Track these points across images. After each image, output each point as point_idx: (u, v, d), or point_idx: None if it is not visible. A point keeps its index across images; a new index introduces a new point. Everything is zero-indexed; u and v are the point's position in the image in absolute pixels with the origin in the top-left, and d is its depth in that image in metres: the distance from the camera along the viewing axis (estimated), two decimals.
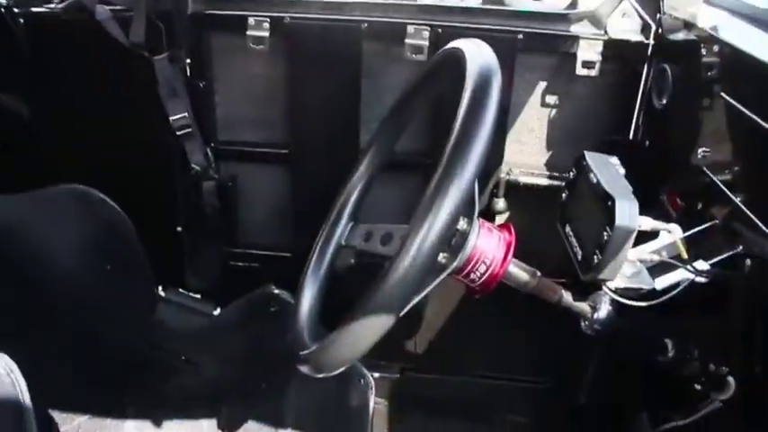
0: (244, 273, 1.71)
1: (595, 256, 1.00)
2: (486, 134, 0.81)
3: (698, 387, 1.14)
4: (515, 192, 1.57)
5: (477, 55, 0.89)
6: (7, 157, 1.51)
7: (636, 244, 1.06)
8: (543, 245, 1.37)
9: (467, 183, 0.80)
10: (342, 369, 0.89)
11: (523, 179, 1.56)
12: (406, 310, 0.86)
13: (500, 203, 1.55)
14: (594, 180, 1.05)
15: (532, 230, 1.43)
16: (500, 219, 1.58)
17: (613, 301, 1.12)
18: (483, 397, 1.83)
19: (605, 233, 0.98)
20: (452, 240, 0.99)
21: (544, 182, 1.56)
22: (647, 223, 1.06)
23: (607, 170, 1.08)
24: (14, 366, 0.93)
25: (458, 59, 0.92)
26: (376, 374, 1.76)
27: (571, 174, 1.16)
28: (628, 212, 0.97)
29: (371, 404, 1.35)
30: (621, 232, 0.97)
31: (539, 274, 1.09)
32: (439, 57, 1.02)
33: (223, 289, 1.64)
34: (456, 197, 0.79)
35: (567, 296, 1.12)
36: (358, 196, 1.15)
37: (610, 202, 0.98)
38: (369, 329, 0.83)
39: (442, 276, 0.96)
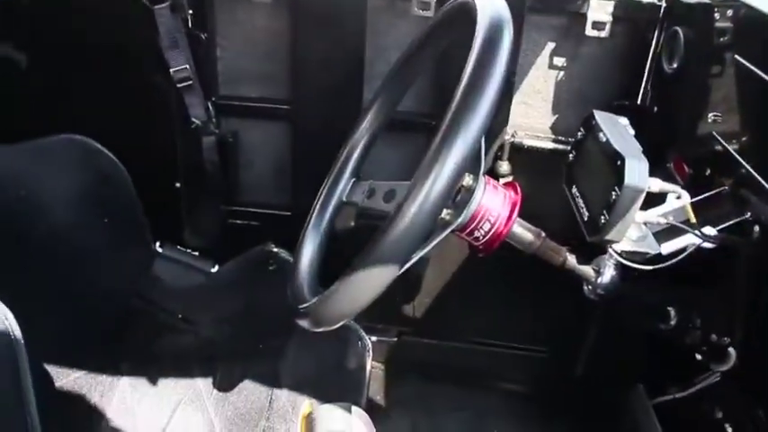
0: (243, 231, 1.70)
1: (602, 217, 0.99)
2: (497, 85, 0.79)
3: (698, 357, 1.14)
4: (520, 155, 1.55)
5: (489, 4, 0.87)
6: (5, 106, 1.48)
7: (642, 210, 1.05)
8: (548, 209, 1.35)
9: (474, 135, 0.78)
10: (341, 323, 0.88)
11: (528, 142, 1.54)
12: (408, 265, 0.85)
13: (504, 166, 1.53)
14: (604, 139, 1.04)
15: (537, 194, 1.41)
16: (503, 182, 1.57)
17: (618, 266, 1.11)
18: (480, 364, 1.82)
19: (613, 193, 0.96)
20: (457, 196, 0.97)
21: (550, 145, 1.54)
22: (657, 184, 1.04)
23: (617, 130, 1.06)
24: (9, 314, 0.92)
25: (468, 9, 0.89)
26: (373, 338, 1.76)
27: (579, 134, 1.14)
28: (638, 171, 0.96)
29: (368, 367, 1.34)
30: (630, 192, 0.96)
31: (543, 234, 1.08)
32: (448, 7, 1.00)
33: (222, 247, 1.63)
34: (462, 150, 0.77)
35: (572, 259, 1.11)
36: (361, 152, 1.14)
37: (619, 162, 0.97)
38: (369, 283, 0.82)
39: (445, 233, 0.95)
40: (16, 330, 0.91)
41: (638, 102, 1.46)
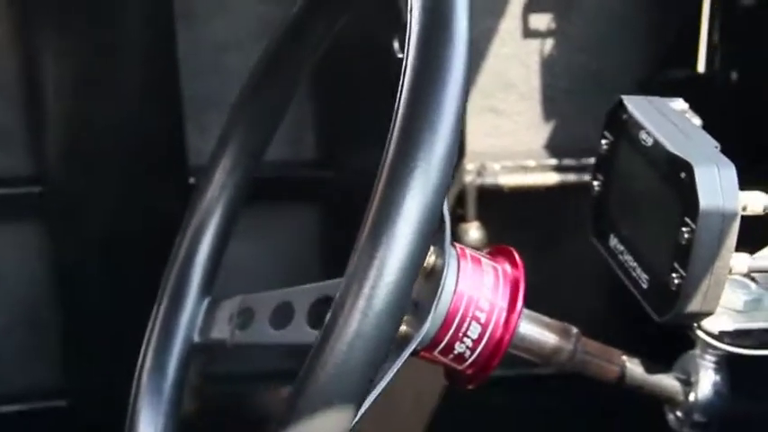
0: None
1: (674, 276, 1.04)
2: (458, 97, 0.81)
3: None
4: (493, 202, 1.65)
5: None
6: None
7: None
8: (552, 286, 1.43)
9: (437, 179, 0.80)
10: None
11: (506, 178, 1.64)
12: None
13: (472, 230, 1.65)
14: (649, 141, 1.11)
15: (532, 265, 1.49)
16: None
17: (721, 364, 1.18)
18: None
19: (684, 229, 1.02)
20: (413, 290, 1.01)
21: (546, 178, 1.65)
22: (759, 200, 1.05)
23: (670, 121, 1.14)
24: None
25: None
26: None
27: (603, 142, 1.19)
28: (718, 184, 1.03)
29: None
30: (712, 220, 1.02)
31: (575, 331, 1.11)
32: None
33: None
34: (423, 206, 0.78)
35: (635, 366, 1.16)
36: (209, 251, 1.18)
37: (684, 173, 1.03)
38: None
39: (405, 354, 0.96)
40: None
41: (701, 68, 1.58)
